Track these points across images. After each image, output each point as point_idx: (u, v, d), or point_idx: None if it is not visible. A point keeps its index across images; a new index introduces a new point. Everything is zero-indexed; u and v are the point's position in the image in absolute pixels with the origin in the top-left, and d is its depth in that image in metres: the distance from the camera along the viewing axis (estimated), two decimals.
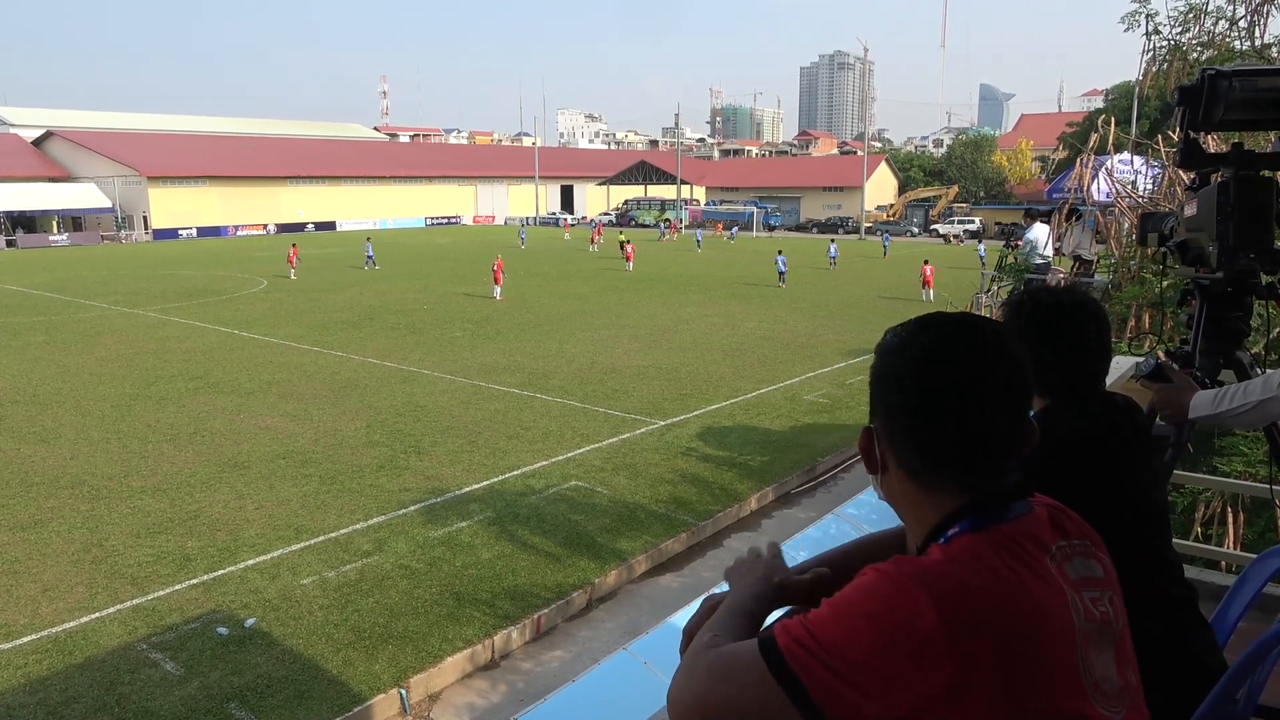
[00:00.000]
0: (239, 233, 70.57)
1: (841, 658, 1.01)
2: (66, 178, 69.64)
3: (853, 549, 1.47)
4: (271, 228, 72.89)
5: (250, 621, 8.79)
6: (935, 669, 0.99)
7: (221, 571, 9.85)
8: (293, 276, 38.23)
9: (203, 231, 68.50)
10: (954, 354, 1.14)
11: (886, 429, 1.19)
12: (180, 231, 67.34)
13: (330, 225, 76.23)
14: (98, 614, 8.94)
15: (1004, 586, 1.04)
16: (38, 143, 73.47)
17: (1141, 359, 3.06)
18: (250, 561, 10.11)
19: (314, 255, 49.90)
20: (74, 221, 66.34)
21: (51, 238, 62.72)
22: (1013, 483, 1.16)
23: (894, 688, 1.00)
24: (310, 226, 74.88)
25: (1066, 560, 1.14)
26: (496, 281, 31.48)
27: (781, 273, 35.35)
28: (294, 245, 41.65)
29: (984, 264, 40.13)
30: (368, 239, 45.58)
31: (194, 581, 9.63)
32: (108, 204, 66.47)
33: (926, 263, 33.23)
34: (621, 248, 43.36)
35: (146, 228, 67.06)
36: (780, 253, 37.35)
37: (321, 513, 11.52)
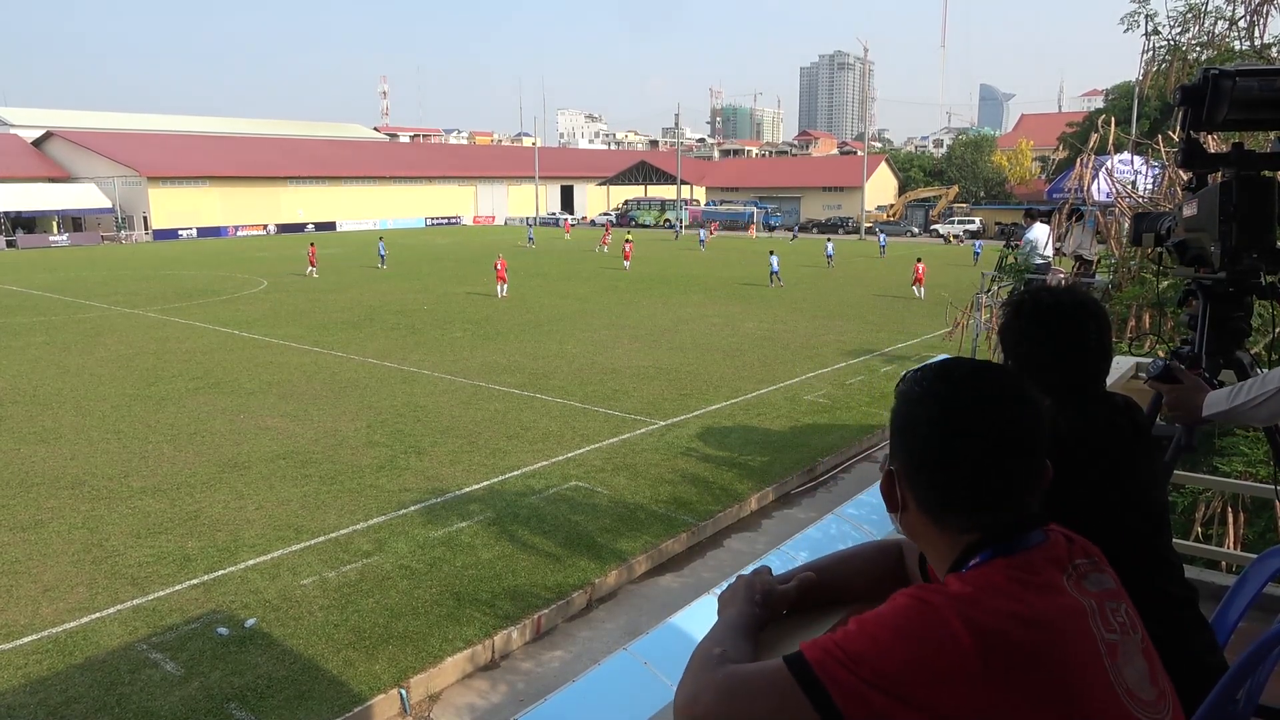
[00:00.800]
0: (239, 233, 70.54)
1: (871, 669, 1.05)
2: (66, 178, 69.60)
3: (845, 555, 1.50)
4: (271, 228, 72.88)
5: (250, 622, 8.79)
6: (970, 688, 1.03)
7: (222, 572, 9.85)
8: (311, 274, 38.63)
9: (203, 232, 68.48)
10: (971, 404, 1.18)
11: (907, 473, 1.23)
12: (180, 232, 67.31)
13: (330, 225, 76.18)
14: (98, 614, 8.94)
15: (1025, 609, 1.08)
16: (38, 143, 73.45)
17: (1144, 359, 3.05)
18: (250, 562, 10.11)
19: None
20: (74, 222, 66.33)
21: (51, 238, 62.68)
22: (1029, 514, 1.21)
23: (929, 699, 1.04)
24: (310, 227, 74.80)
25: (1084, 576, 1.19)
26: (500, 280, 31.69)
27: (774, 272, 35.52)
28: (312, 244, 42.22)
29: (976, 259, 40.50)
30: (380, 239, 46.52)
31: (194, 582, 9.63)
32: (108, 204, 66.43)
33: (919, 261, 33.78)
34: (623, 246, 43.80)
35: (146, 228, 67.04)
36: (773, 252, 37.37)
37: (321, 513, 11.52)
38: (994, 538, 1.17)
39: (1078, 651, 1.08)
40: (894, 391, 1.28)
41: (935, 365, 1.25)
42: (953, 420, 1.17)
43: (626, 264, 41.73)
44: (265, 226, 72.75)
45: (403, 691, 7.94)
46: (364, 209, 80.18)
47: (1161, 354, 2.81)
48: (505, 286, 31.64)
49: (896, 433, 1.24)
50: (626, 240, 44.33)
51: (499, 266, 31.97)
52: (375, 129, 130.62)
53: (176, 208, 68.10)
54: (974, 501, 1.18)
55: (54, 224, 65.04)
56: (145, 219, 67.28)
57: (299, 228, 73.86)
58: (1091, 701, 1.07)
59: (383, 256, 42.86)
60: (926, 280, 32.41)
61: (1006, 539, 1.17)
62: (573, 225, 77.99)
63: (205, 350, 22.06)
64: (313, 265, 39.35)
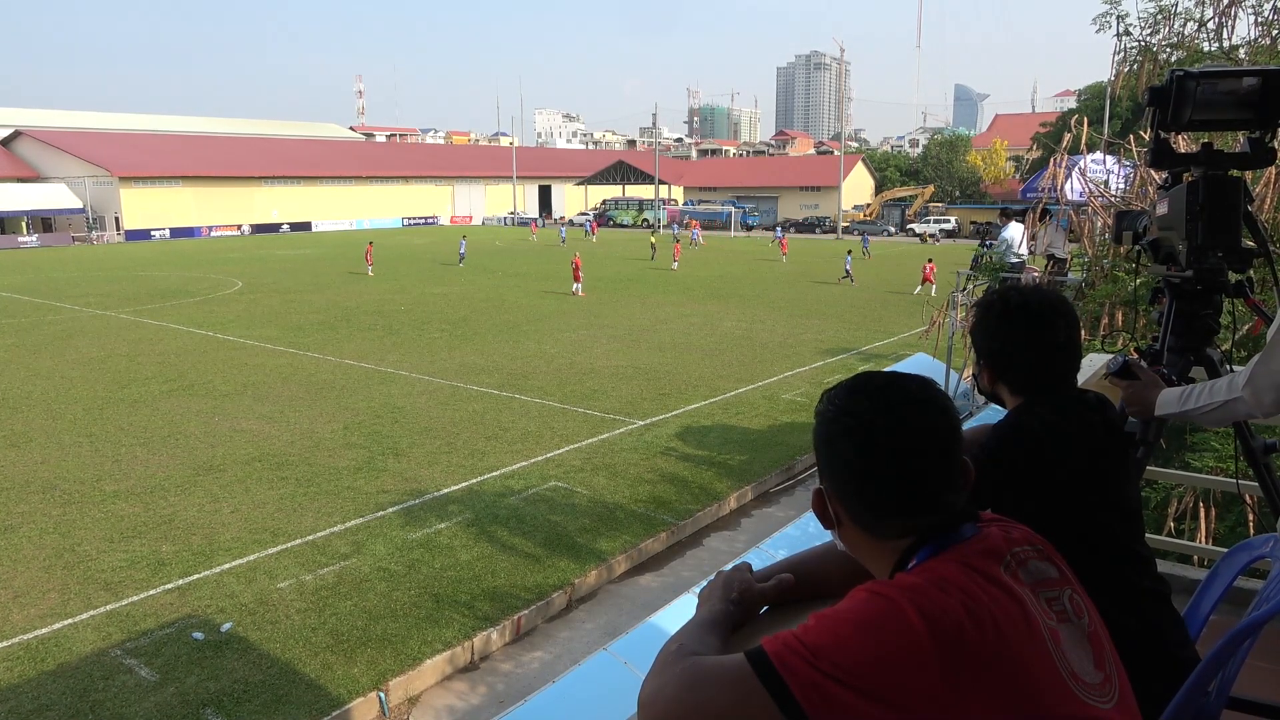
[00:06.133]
0: (213, 233, 69.83)
1: (830, 661, 1.07)
2: (35, 178, 68.54)
3: (823, 551, 1.52)
4: (246, 228, 72.18)
5: (226, 626, 8.71)
6: (925, 675, 1.05)
7: (197, 576, 9.75)
8: (370, 273, 38.76)
9: (176, 232, 67.67)
10: (885, 415, 1.22)
11: (834, 491, 1.28)
12: (153, 232, 66.47)
13: (306, 226, 75.55)
14: (71, 620, 8.82)
15: (971, 599, 1.11)
16: (6, 142, 72.20)
17: (1114, 356, 3.09)
18: (226, 565, 10.01)
19: (290, 257, 49.56)
20: (44, 222, 65.33)
21: (20, 239, 61.66)
22: (960, 509, 1.25)
23: (887, 689, 1.05)
24: (285, 227, 74.20)
25: (1021, 566, 1.22)
26: (576, 279, 32.29)
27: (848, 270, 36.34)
28: (370, 243, 42.65)
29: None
30: (464, 236, 47.80)
31: (169, 586, 9.52)
32: (78, 204, 65.50)
33: (930, 261, 33.34)
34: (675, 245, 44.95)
35: (118, 229, 66.14)
36: (849, 252, 38.01)
37: (298, 515, 11.43)
38: (927, 538, 1.21)
39: (1023, 636, 1.11)
40: (814, 412, 1.32)
41: (848, 383, 1.29)
42: (869, 433, 1.22)
43: (675, 264, 42.46)
44: (239, 227, 72.01)
45: (381, 694, 7.89)
46: (340, 209, 79.57)
47: (1135, 351, 2.84)
48: (580, 285, 32.21)
49: (820, 452, 1.29)
50: (676, 240, 46.16)
51: (575, 265, 32.61)
52: (351, 128, 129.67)
53: (149, 208, 67.24)
54: (902, 507, 1.22)
55: (23, 224, 63.99)
56: (117, 219, 66.39)
57: (274, 228, 73.24)
58: (1039, 683, 1.10)
59: (463, 256, 43.35)
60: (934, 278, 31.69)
61: (939, 537, 1.21)
62: (540, 227, 77.68)
63: (179, 352, 21.81)
64: (369, 264, 39.60)
